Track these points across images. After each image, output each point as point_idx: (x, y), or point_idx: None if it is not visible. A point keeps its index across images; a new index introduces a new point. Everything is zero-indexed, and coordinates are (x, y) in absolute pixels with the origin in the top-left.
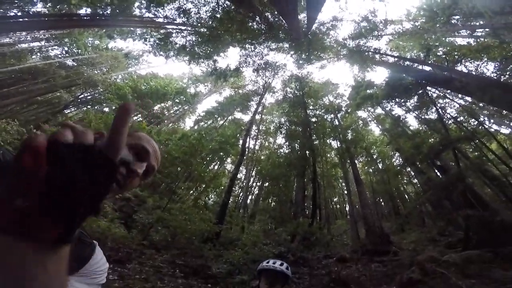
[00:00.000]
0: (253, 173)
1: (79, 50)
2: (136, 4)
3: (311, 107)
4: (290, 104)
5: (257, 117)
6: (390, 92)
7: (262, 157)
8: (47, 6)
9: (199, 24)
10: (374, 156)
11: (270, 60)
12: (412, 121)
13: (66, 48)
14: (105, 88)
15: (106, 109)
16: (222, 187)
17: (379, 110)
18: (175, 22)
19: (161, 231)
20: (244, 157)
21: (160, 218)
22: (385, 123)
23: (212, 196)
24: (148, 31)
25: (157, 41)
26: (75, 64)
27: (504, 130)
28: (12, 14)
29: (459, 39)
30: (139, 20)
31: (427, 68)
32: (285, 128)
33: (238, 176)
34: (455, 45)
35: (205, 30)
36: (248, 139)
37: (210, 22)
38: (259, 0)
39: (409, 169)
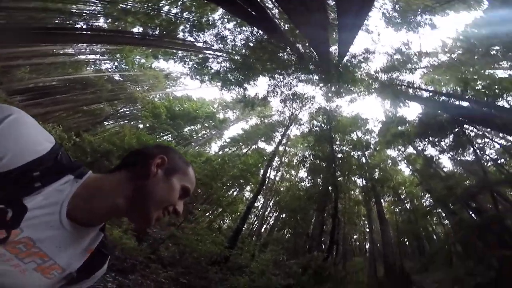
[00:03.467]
0: (271, 203)
1: (127, 67)
2: (181, 27)
3: (337, 142)
4: (316, 138)
5: (281, 148)
6: (423, 130)
7: (282, 189)
8: (108, 21)
9: (233, 52)
10: (402, 196)
11: (298, 91)
12: (446, 162)
13: (116, 63)
14: (143, 105)
15: (141, 126)
16: (238, 213)
17: (410, 149)
18: (212, 48)
19: (171, 248)
20: (264, 187)
21: (173, 235)
22: (416, 164)
23: (228, 220)
24: (188, 55)
25: (195, 65)
26: (121, 79)
27: None
28: (78, 26)
29: (500, 72)
30: (181, 43)
31: (465, 104)
32: (308, 162)
33: (256, 204)
34: (495, 78)
35: (238, 57)
36: (269, 170)
37: (243, 50)
38: (291, 31)
39: (439, 210)
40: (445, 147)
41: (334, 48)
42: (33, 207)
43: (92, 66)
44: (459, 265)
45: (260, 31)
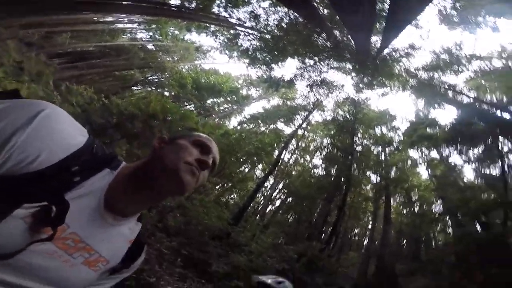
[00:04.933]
0: (280, 186)
1: (161, 37)
2: (217, 1)
3: (359, 135)
4: (338, 128)
5: (300, 132)
6: (453, 136)
7: (294, 173)
8: None
9: (265, 31)
10: (413, 199)
11: (327, 78)
12: (468, 172)
13: (151, 33)
14: (171, 75)
15: (167, 93)
16: (247, 191)
17: (434, 153)
18: (245, 25)
19: (178, 218)
20: (276, 168)
21: (181, 205)
22: (437, 169)
23: (235, 196)
24: (221, 30)
25: (226, 40)
26: (154, 49)
27: None
28: None
29: None
30: (215, 17)
31: (507, 116)
32: (326, 150)
33: (265, 184)
34: None
35: (269, 37)
36: (284, 152)
37: (276, 31)
38: (330, 17)
39: (447, 218)
40: (472, 157)
41: (375, 39)
42: (75, 202)
43: (128, 35)
44: (446, 275)
45: (296, 14)
